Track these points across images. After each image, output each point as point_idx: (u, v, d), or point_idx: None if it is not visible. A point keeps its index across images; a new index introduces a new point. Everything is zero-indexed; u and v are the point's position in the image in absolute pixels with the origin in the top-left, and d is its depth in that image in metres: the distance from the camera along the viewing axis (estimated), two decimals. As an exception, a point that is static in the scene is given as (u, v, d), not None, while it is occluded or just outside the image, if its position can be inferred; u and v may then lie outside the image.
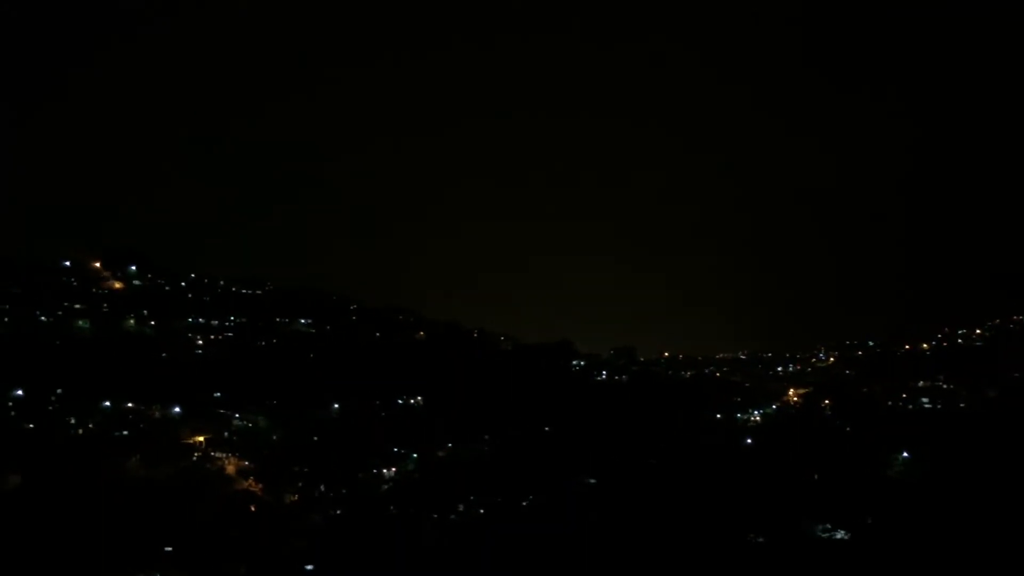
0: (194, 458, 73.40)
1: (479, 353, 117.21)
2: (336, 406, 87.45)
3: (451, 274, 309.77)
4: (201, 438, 76.08)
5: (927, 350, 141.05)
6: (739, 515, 71.00)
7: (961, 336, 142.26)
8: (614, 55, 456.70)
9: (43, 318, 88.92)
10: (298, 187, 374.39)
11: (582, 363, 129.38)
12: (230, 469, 73.05)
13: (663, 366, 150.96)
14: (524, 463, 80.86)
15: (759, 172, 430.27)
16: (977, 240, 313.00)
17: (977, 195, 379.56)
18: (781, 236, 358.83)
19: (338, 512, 69.13)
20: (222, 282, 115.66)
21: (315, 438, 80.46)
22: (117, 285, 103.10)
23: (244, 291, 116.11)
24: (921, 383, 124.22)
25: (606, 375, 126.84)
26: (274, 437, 79.79)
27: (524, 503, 74.09)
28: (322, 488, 72.16)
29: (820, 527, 70.63)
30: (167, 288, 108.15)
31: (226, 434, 78.40)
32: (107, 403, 76.13)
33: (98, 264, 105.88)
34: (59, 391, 75.52)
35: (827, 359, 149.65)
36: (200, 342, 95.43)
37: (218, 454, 74.73)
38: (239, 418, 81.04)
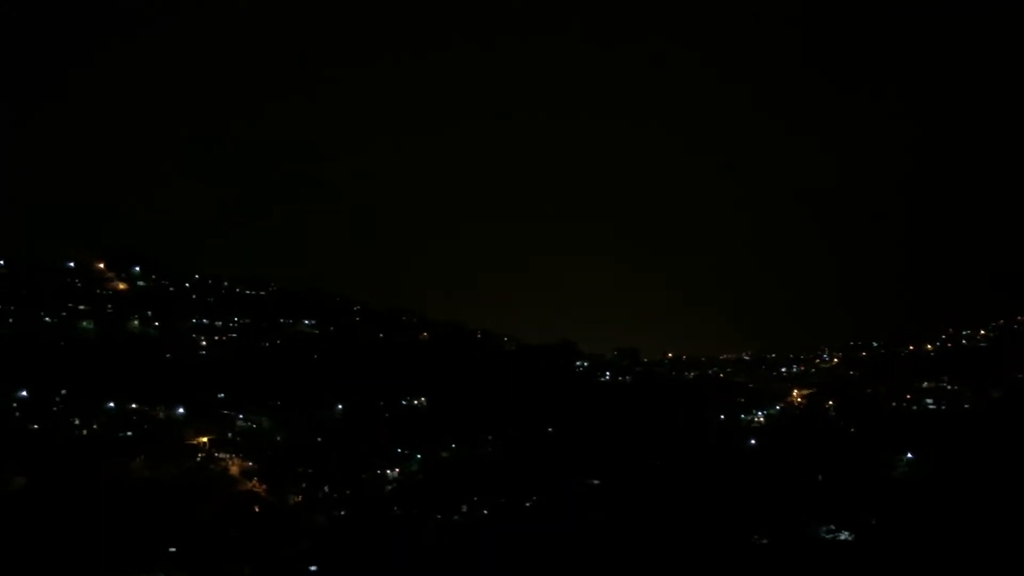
0: (198, 459, 73.50)
1: (482, 354, 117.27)
2: (340, 407, 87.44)
3: (451, 274, 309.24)
4: (205, 439, 76.16)
5: (931, 351, 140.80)
6: (743, 516, 70.94)
7: (965, 337, 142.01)
8: (614, 55, 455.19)
9: (47, 319, 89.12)
10: (298, 187, 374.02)
11: (585, 364, 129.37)
12: (234, 470, 73.12)
13: (667, 367, 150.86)
14: (528, 464, 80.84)
15: (759, 172, 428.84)
16: (981, 240, 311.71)
17: (980, 195, 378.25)
18: (781, 236, 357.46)
19: (342, 513, 69.13)
20: (226, 283, 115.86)
21: (319, 439, 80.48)
22: (121, 286, 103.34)
23: (248, 292, 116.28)
24: (925, 384, 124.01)
25: (610, 376, 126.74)
26: (278, 438, 79.83)
27: (528, 504, 74.06)
28: (326, 489, 72.14)
29: (824, 528, 70.53)
30: (171, 289, 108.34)
31: (230, 435, 78.45)
32: (111, 404, 76.24)
33: (102, 265, 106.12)
34: (63, 392, 75.62)
35: (831, 360, 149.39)
36: (204, 343, 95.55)
37: (222, 455, 74.78)
38: (243, 419, 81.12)
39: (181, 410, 78.48)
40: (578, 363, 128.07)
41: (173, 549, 57.93)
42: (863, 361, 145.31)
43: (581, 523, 68.16)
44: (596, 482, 79.36)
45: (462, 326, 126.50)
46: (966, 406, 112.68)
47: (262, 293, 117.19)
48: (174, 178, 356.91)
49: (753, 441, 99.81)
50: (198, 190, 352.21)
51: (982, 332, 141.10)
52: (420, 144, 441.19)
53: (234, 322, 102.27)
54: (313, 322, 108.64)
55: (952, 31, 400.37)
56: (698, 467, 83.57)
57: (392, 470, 78.34)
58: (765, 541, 67.66)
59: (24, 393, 74.09)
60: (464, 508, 71.77)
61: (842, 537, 69.72)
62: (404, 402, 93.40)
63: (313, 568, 59.55)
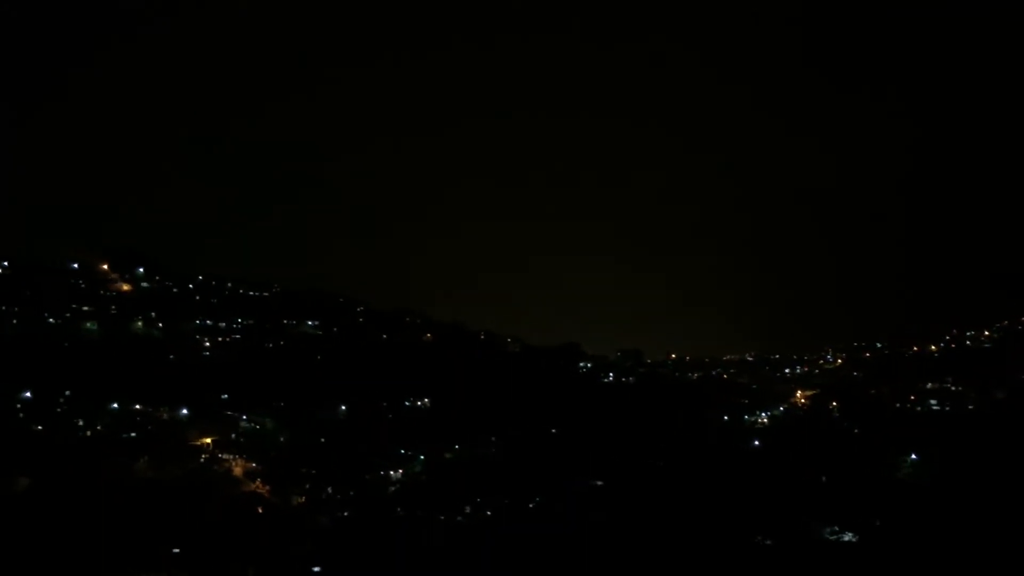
0: (201, 460, 73.46)
1: (486, 354, 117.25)
2: (343, 408, 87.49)
3: (451, 274, 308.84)
4: (208, 440, 76.17)
5: (935, 352, 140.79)
6: (746, 517, 70.77)
7: (969, 338, 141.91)
8: (614, 55, 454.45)
9: (51, 320, 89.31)
10: (298, 187, 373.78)
11: (589, 365, 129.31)
12: (237, 471, 73.10)
13: (670, 368, 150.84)
14: (531, 465, 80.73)
15: (760, 172, 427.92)
16: (985, 240, 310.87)
17: (982, 195, 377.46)
18: (782, 236, 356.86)
19: (345, 514, 69.08)
20: (229, 284, 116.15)
21: (322, 440, 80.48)
22: (125, 287, 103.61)
23: (251, 293, 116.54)
24: (929, 385, 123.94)
25: (613, 377, 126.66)
26: (281, 439, 79.86)
27: (531, 505, 73.97)
28: (329, 490, 72.10)
29: (828, 529, 70.29)
30: (175, 290, 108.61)
31: (233, 436, 78.47)
32: (115, 405, 76.26)
33: (106, 266, 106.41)
34: (67, 393, 75.70)
35: (835, 361, 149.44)
36: (208, 344, 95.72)
37: (225, 456, 74.75)
38: (246, 420, 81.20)
39: (185, 411, 78.59)
40: (582, 364, 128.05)
41: (176, 550, 57.82)
42: (867, 362, 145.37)
43: (585, 524, 68.01)
44: (600, 483, 79.26)
45: (465, 327, 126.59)
46: (970, 407, 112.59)
47: (265, 294, 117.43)
48: (174, 178, 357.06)
49: (757, 442, 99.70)
50: (198, 190, 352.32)
51: (986, 333, 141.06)
52: (420, 144, 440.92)
53: (238, 323, 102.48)
54: (316, 323, 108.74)
55: (952, 31, 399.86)
56: (701, 468, 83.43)
57: (395, 471, 78.29)
58: (768, 542, 67.41)
59: (28, 394, 74.17)
60: (467, 509, 71.65)
61: (846, 538, 69.48)
62: (407, 403, 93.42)
63: (316, 569, 59.38)
